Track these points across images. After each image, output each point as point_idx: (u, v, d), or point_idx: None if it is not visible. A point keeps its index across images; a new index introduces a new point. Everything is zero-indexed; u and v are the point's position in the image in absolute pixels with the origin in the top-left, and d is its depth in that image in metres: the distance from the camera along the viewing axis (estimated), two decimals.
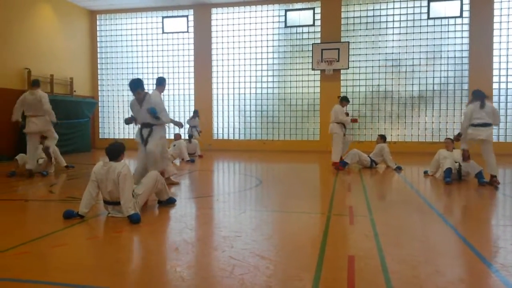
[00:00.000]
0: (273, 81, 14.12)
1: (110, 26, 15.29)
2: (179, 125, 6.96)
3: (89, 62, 15.16)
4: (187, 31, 14.65)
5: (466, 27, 12.68)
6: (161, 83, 6.65)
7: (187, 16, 14.63)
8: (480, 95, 6.82)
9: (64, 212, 4.44)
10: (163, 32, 14.83)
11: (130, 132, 14.77)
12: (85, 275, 2.95)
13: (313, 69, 13.53)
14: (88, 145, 14.00)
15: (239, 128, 14.51)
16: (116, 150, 4.61)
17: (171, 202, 5.22)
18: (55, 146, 8.56)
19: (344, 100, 9.37)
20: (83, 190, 4.60)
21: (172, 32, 14.76)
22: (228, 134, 14.60)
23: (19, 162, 7.93)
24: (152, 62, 14.97)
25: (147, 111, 5.50)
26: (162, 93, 6.55)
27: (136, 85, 5.51)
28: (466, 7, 12.64)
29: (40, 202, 5.60)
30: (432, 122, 13.07)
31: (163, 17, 14.80)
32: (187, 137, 11.77)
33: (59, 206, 5.21)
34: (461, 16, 12.70)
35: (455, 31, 12.80)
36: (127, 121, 5.76)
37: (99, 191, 4.53)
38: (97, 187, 4.49)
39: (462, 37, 12.73)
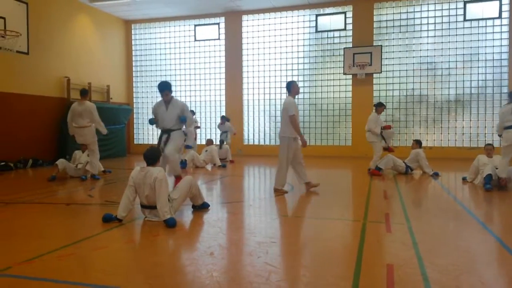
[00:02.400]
0: (304, 86, 14.06)
1: (144, 35, 15.72)
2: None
3: (124, 70, 15.63)
4: (219, 38, 14.84)
5: (505, 28, 12.19)
6: (291, 88, 6.62)
7: (218, 24, 14.83)
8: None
9: (103, 216, 4.59)
10: (195, 40, 15.10)
11: None
12: (124, 278, 3.03)
13: (344, 73, 13.39)
14: (124, 150, 14.39)
15: (269, 134, 14.52)
16: (153, 154, 4.74)
17: (204, 206, 5.28)
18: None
19: (379, 106, 9.05)
20: (120, 195, 4.74)
21: (204, 40, 15.00)
22: (259, 139, 14.64)
23: (59, 167, 8.20)
24: (185, 69, 15.25)
25: (178, 118, 5.62)
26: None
27: (163, 86, 5.70)
28: (505, 8, 12.17)
29: (80, 206, 5.80)
30: (470, 127, 12.62)
31: (195, 25, 15.07)
32: (218, 143, 11.88)
33: (98, 209, 5.38)
34: (500, 17, 12.23)
35: (493, 32, 12.34)
36: (151, 122, 5.93)
37: (137, 195, 4.66)
38: (134, 191, 4.62)
39: (501, 39, 12.25)
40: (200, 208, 5.23)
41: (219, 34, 14.84)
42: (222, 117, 12.77)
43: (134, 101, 15.90)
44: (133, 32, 15.73)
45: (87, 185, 7.62)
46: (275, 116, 14.39)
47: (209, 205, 5.35)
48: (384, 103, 9.82)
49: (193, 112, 12.07)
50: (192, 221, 4.81)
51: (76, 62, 12.90)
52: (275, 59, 14.29)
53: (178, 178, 5.78)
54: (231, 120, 13.11)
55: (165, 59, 15.50)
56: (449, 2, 12.66)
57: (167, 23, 15.33)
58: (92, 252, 3.59)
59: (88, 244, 3.82)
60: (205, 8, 14.06)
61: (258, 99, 14.56)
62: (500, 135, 7.02)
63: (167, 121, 5.71)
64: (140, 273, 3.14)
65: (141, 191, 4.57)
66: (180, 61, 15.32)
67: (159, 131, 6.12)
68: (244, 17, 14.47)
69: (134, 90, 15.88)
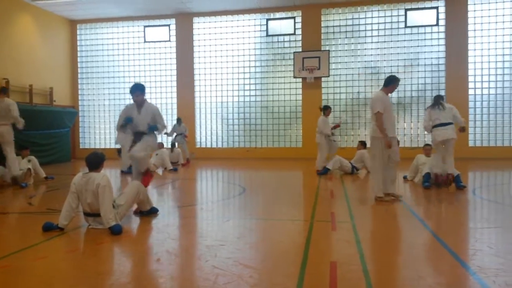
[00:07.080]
0: (255, 89, 14.20)
1: (90, 36, 15.15)
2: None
3: (69, 71, 14.97)
4: (169, 40, 14.63)
5: (442, 35, 13.03)
6: (390, 82, 6.03)
7: (169, 25, 14.61)
8: (435, 98, 7.23)
9: (43, 225, 4.36)
10: (145, 41, 14.77)
11: (111, 142, 14.55)
12: None
13: (294, 77, 13.67)
14: (68, 155, 13.77)
15: (222, 136, 14.51)
16: (96, 159, 4.55)
17: (153, 212, 5.17)
18: (33, 157, 8.41)
19: (325, 109, 9.45)
20: (63, 202, 4.53)
21: (154, 41, 14.72)
22: (211, 142, 14.58)
23: None
24: (134, 71, 14.87)
25: (148, 126, 5.33)
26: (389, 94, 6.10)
27: (135, 88, 5.39)
28: (442, 16, 13.00)
29: (19, 215, 5.48)
30: (411, 128, 13.34)
31: (144, 26, 14.75)
32: (169, 146, 11.69)
33: (39, 218, 5.10)
34: (437, 24, 13.06)
35: (431, 39, 13.14)
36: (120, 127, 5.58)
37: (79, 202, 4.47)
38: (77, 198, 4.42)
39: (438, 45, 13.08)
40: (148, 213, 5.12)
41: (169, 36, 14.62)
42: (179, 119, 12.41)
43: (80, 103, 15.26)
44: (78, 32, 15.11)
45: (27, 192, 7.22)
46: (227, 119, 14.41)
47: (157, 210, 5.25)
48: (331, 106, 10.19)
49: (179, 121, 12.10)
50: (139, 228, 4.71)
51: (16, 63, 12.18)
52: (226, 62, 14.31)
53: (147, 175, 5.48)
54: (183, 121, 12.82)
55: (113, 61, 15.02)
56: (391, 9, 13.32)
57: (115, 23, 14.88)
58: (32, 263, 3.41)
59: (27, 255, 3.63)
60: (155, 9, 13.81)
61: (210, 102, 14.50)
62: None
63: (140, 125, 5.37)
64: (84, 283, 3.02)
65: (83, 198, 4.39)
66: (129, 63, 14.92)
67: (111, 136, 5.79)
68: (195, 19, 14.37)
69: (79, 93, 15.25)
